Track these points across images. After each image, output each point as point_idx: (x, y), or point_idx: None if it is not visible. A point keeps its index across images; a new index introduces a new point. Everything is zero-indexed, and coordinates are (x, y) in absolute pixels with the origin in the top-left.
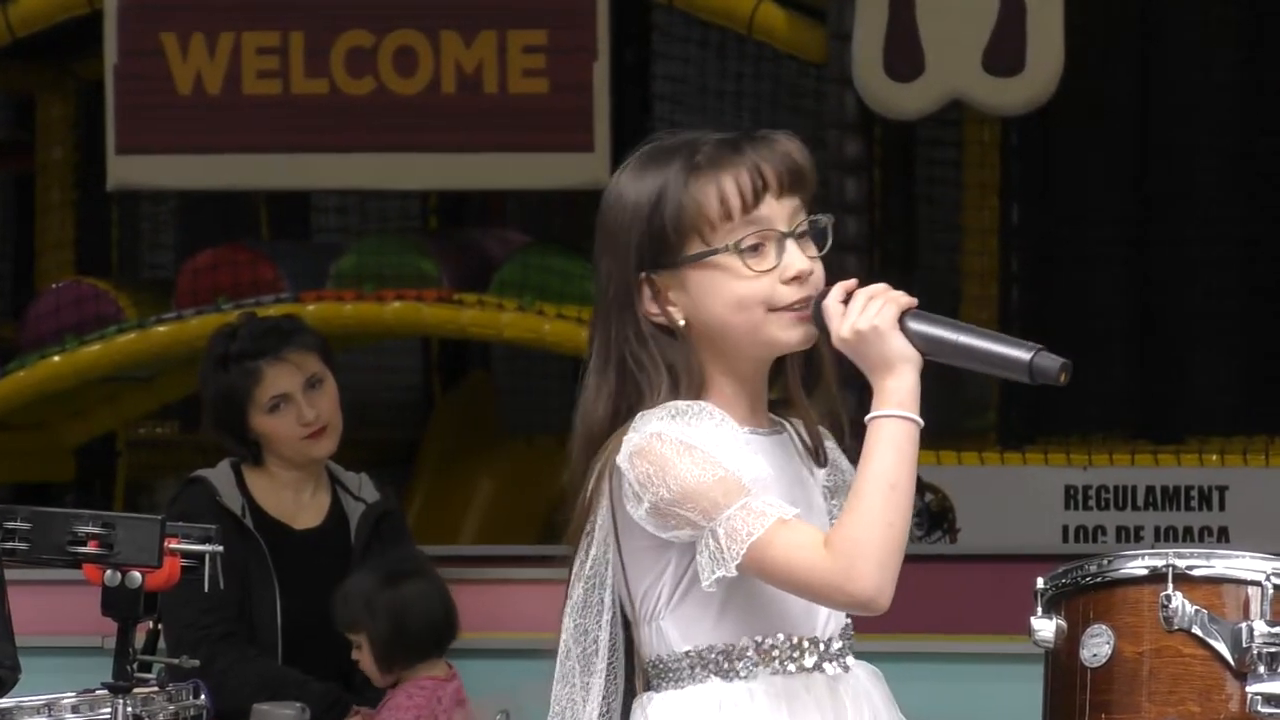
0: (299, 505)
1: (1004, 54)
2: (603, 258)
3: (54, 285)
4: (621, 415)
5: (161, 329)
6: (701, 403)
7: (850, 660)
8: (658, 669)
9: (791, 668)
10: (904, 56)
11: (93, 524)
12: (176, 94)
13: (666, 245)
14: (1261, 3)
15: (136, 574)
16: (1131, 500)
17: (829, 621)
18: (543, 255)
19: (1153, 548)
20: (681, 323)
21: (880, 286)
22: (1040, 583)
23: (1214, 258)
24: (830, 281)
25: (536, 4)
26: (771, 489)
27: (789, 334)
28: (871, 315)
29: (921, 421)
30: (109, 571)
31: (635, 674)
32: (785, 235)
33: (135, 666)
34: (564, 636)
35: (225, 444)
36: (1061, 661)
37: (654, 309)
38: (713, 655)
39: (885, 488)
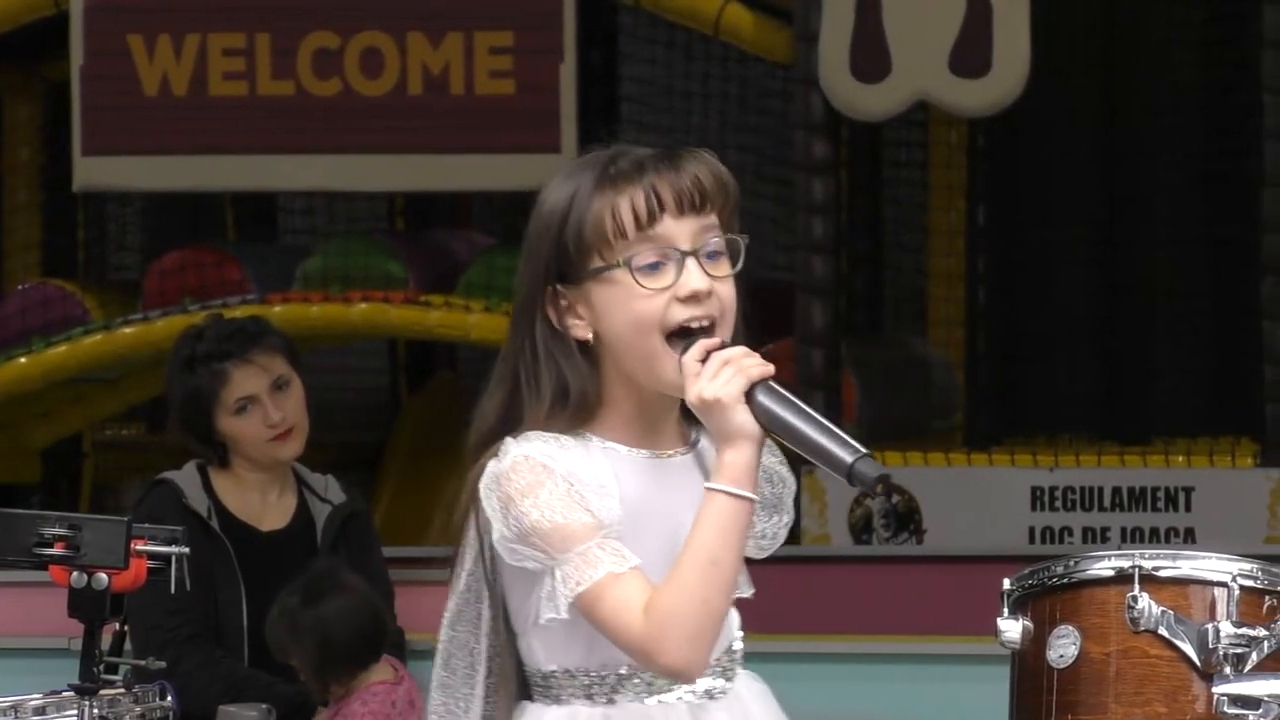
0: (265, 507)
1: (970, 55)
2: (521, 263)
3: (20, 287)
4: (510, 424)
5: (128, 330)
6: (565, 438)
7: (726, 684)
8: (534, 681)
9: (651, 698)
10: (870, 58)
11: (59, 525)
12: (143, 95)
13: (570, 259)
14: (1224, 5)
15: (103, 575)
16: (1098, 501)
17: None
18: (509, 257)
19: (1119, 549)
20: (587, 338)
21: (738, 351)
22: (1007, 584)
23: (1180, 259)
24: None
25: (503, 5)
26: (635, 529)
27: (680, 380)
28: (718, 386)
29: (754, 497)
30: (75, 573)
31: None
32: (685, 254)
33: (102, 668)
34: (440, 647)
35: (191, 445)
36: (1028, 662)
37: (561, 321)
38: (579, 676)
39: (705, 564)
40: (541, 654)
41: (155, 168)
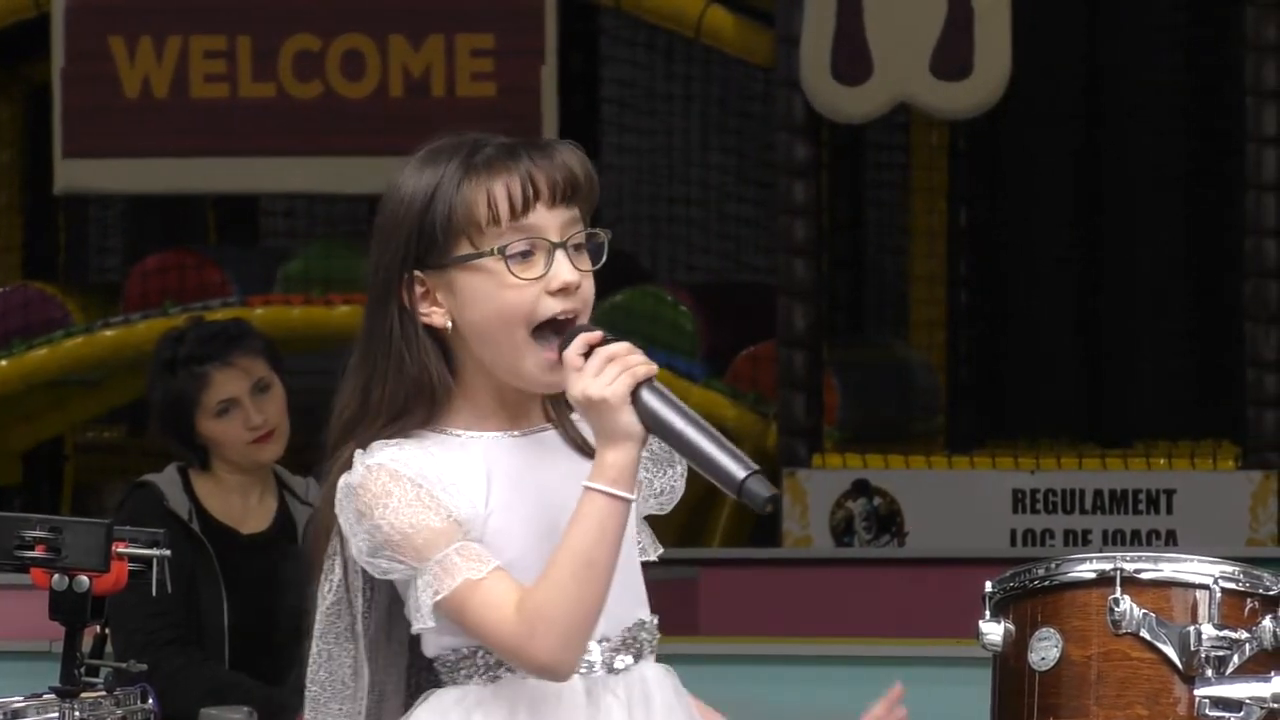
0: (246, 509)
1: (952, 58)
2: (373, 250)
3: (1, 289)
4: (364, 416)
5: (109, 333)
6: (413, 439)
7: (632, 661)
8: (440, 669)
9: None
10: (852, 60)
11: (40, 528)
12: (124, 97)
13: (435, 244)
14: (1204, 8)
15: (84, 578)
16: (1079, 504)
17: (599, 623)
18: None
19: (1100, 551)
20: (446, 325)
21: (622, 347)
22: (988, 586)
23: (1161, 261)
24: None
25: (484, 8)
26: (511, 510)
27: (544, 377)
28: (603, 384)
29: (633, 498)
30: (56, 576)
31: (417, 675)
32: (556, 245)
33: (83, 671)
34: (311, 664)
35: (172, 448)
36: (1009, 665)
37: (420, 308)
38: (467, 655)
39: (582, 564)
40: (432, 642)
41: (136, 170)
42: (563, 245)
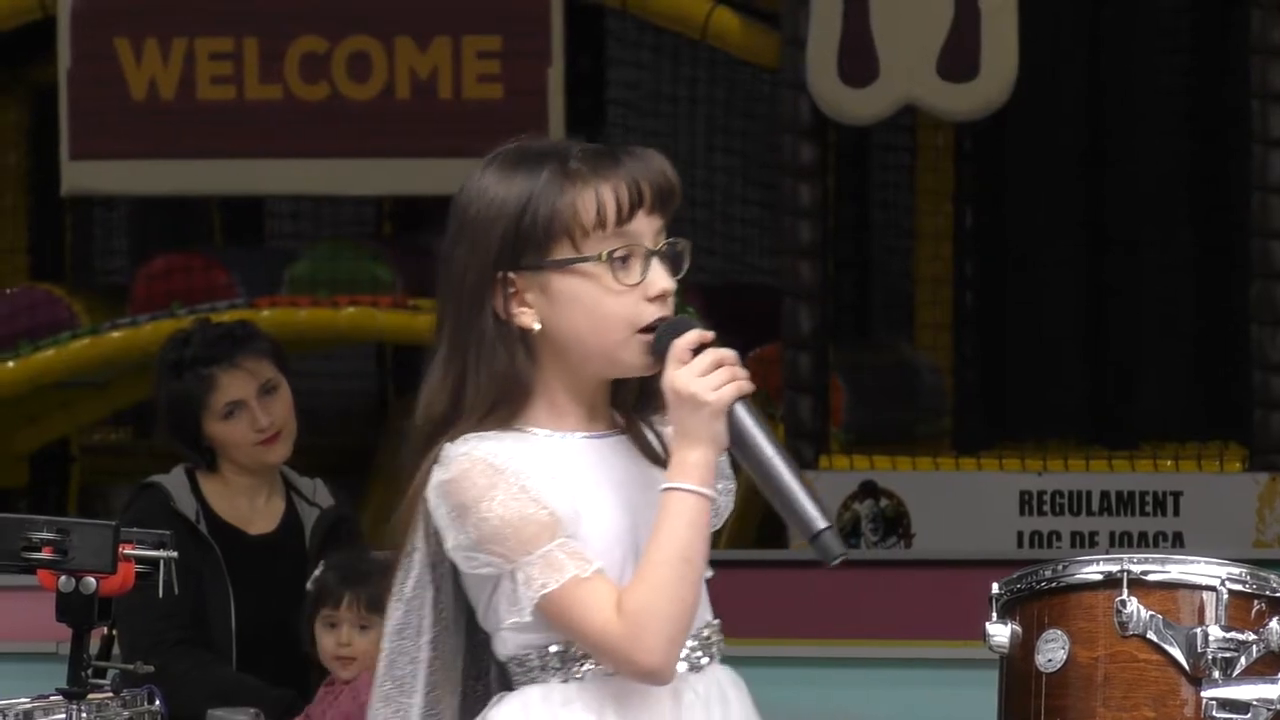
0: (254, 511)
1: (958, 60)
2: (458, 248)
3: (7, 291)
4: (461, 410)
5: (115, 335)
6: (505, 434)
7: (707, 662)
8: (511, 669)
9: None
10: (858, 62)
11: (47, 530)
12: (130, 99)
13: (533, 246)
14: (1208, 11)
15: (91, 580)
16: (1086, 506)
17: None
18: None
19: (1107, 553)
20: (536, 327)
21: (730, 355)
22: (995, 588)
23: (1168, 263)
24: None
25: (491, 10)
26: (588, 512)
27: (640, 360)
28: (709, 386)
29: (716, 497)
30: (63, 577)
31: (487, 679)
32: (652, 253)
33: (90, 672)
34: (382, 658)
35: (179, 450)
36: (1016, 667)
37: (507, 309)
38: (552, 653)
39: (679, 562)
40: (513, 641)
41: (143, 172)
42: (657, 252)
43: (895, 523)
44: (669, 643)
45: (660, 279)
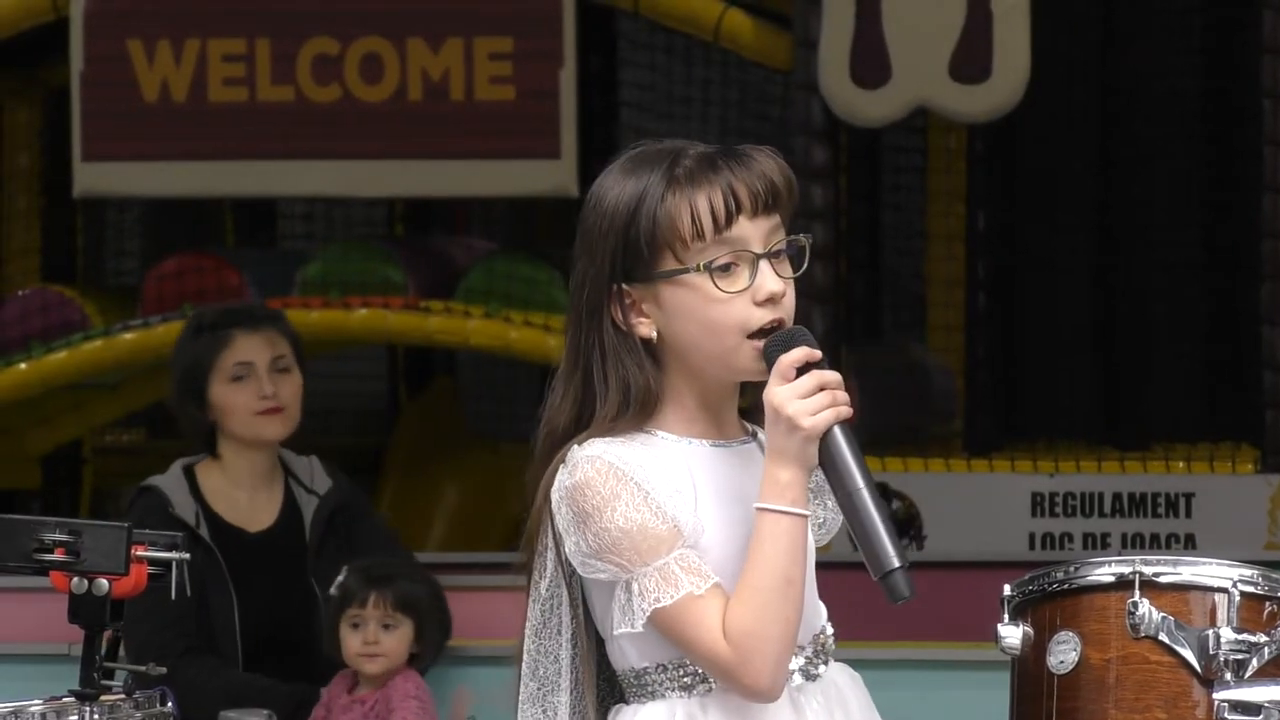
0: (253, 506)
1: (970, 61)
2: (579, 259)
3: (20, 292)
4: (583, 423)
5: (127, 336)
6: (633, 439)
7: (824, 668)
8: (627, 682)
9: None
10: (870, 64)
11: (59, 531)
12: (142, 101)
13: (640, 259)
14: (1219, 12)
15: (103, 581)
16: (1098, 507)
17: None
18: (509, 262)
19: (1119, 554)
20: (651, 336)
21: (834, 378)
22: (1007, 589)
23: (1179, 264)
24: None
25: (503, 11)
26: (712, 518)
27: (754, 365)
28: (809, 410)
29: (811, 513)
30: (76, 579)
31: (610, 686)
32: (759, 256)
33: (102, 674)
34: (525, 659)
35: (184, 420)
36: (1028, 668)
37: (626, 319)
38: (672, 669)
39: (783, 584)
40: (633, 653)
41: (155, 173)
42: (766, 255)
43: (907, 524)
44: (775, 664)
45: (768, 282)
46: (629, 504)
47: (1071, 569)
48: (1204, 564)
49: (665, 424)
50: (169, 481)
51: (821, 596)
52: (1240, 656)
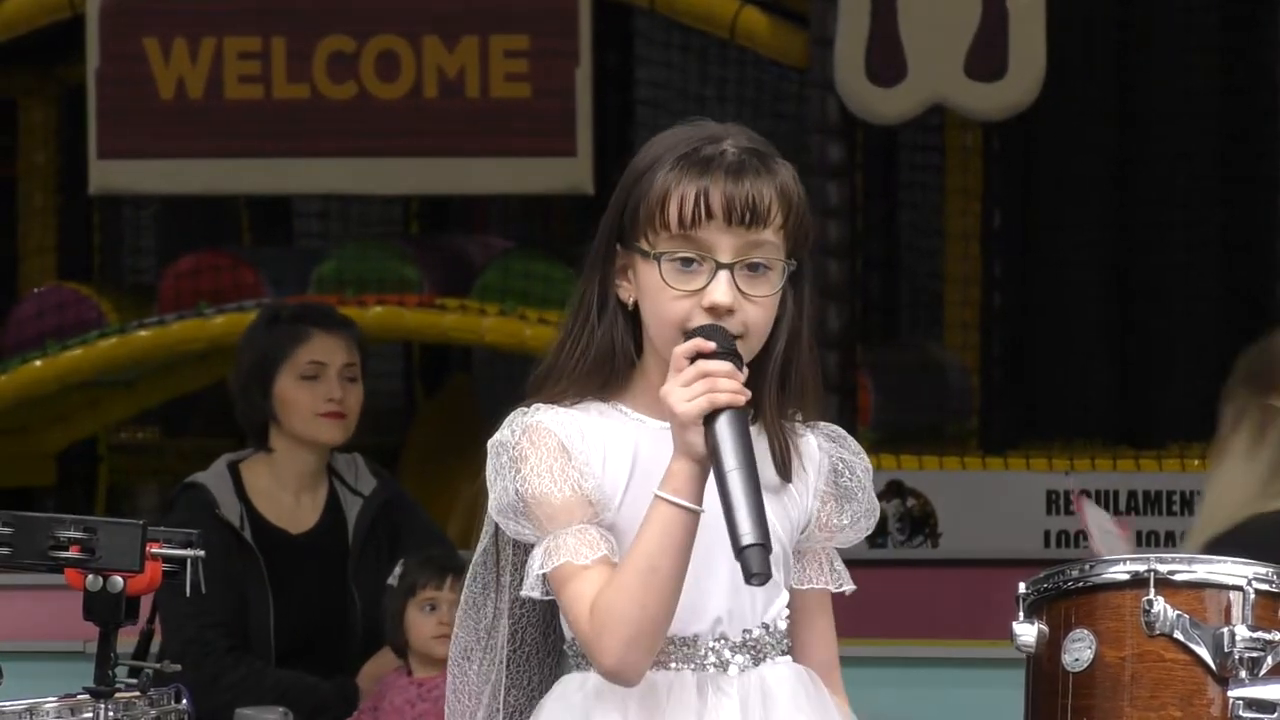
0: (298, 506)
1: (986, 59)
2: (605, 213)
3: (36, 290)
4: (556, 369)
5: (143, 334)
6: (579, 406)
7: (750, 663)
8: (568, 650)
9: (665, 665)
10: (886, 61)
11: (74, 529)
12: (158, 99)
13: (628, 226)
14: (1238, 12)
15: (118, 579)
16: (1113, 505)
17: (717, 623)
18: (524, 260)
19: (1134, 553)
20: (629, 301)
21: (722, 368)
22: (1022, 587)
23: (1194, 262)
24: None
25: (518, 9)
26: (636, 484)
27: None
28: (683, 398)
29: (698, 509)
30: (91, 576)
31: (563, 656)
32: (721, 265)
33: (116, 671)
34: (459, 612)
35: (244, 409)
36: (1043, 666)
37: (617, 280)
38: None
39: (646, 570)
40: (564, 624)
41: (171, 171)
42: (729, 267)
43: (922, 522)
44: (625, 646)
45: (717, 293)
46: (535, 470)
47: (1087, 567)
48: (1219, 562)
49: (627, 399)
50: (214, 480)
51: (844, 598)
52: (1255, 654)
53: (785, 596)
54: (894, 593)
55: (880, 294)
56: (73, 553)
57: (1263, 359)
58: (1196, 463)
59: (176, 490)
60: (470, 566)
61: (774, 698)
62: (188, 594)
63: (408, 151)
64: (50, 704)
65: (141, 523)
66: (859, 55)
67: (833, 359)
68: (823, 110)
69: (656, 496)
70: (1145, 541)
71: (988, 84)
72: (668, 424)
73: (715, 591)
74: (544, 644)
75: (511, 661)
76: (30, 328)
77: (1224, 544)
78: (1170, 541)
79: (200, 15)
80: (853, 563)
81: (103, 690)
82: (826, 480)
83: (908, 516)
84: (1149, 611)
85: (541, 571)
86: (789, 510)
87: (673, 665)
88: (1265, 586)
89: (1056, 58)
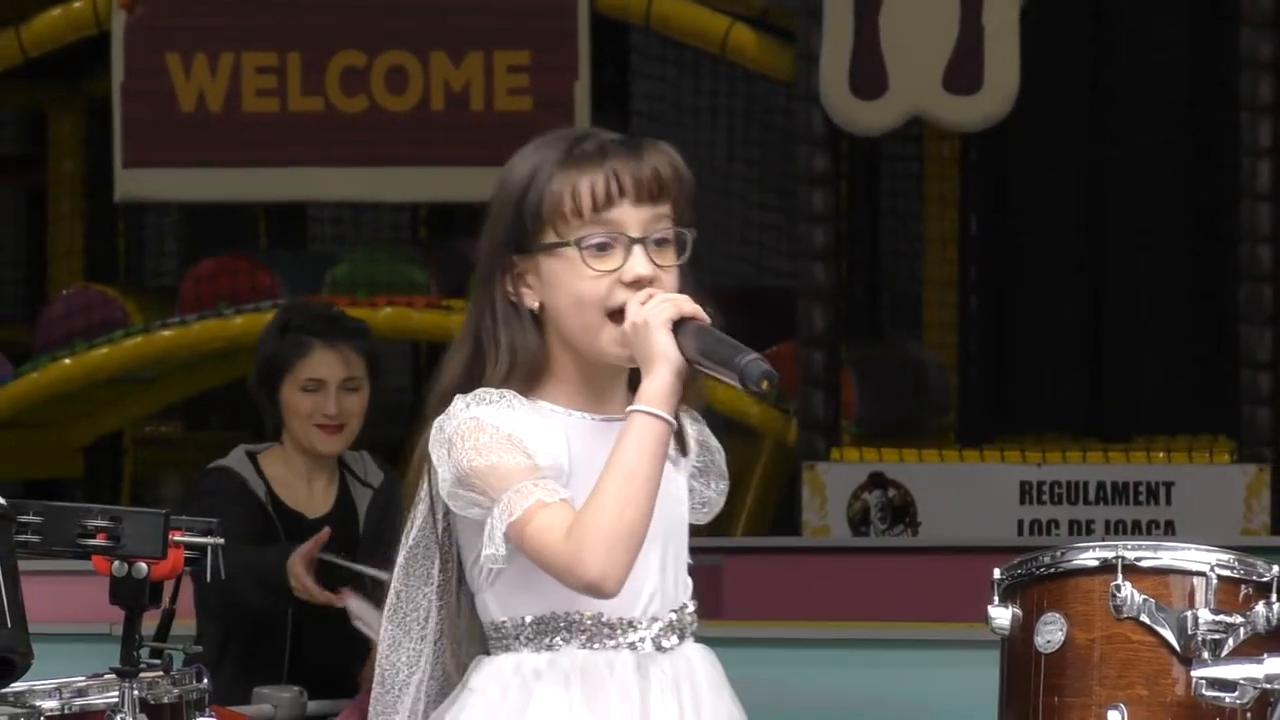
0: (312, 492)
1: (963, 73)
2: (483, 231)
3: (64, 292)
4: (470, 384)
5: (166, 333)
6: (506, 391)
7: (678, 642)
8: (489, 635)
9: (601, 644)
10: (868, 76)
11: (101, 518)
12: (180, 111)
13: (527, 231)
14: (1204, 28)
15: (142, 565)
16: (1083, 496)
17: (650, 603)
18: None
19: (1103, 540)
20: (534, 306)
21: (678, 295)
22: (997, 573)
23: (1162, 267)
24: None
25: (521, 26)
26: (581, 486)
27: (615, 349)
28: (647, 309)
29: (671, 421)
30: (116, 562)
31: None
32: (634, 240)
33: (141, 652)
34: (388, 603)
35: (260, 404)
36: (1017, 648)
37: (512, 290)
38: (526, 625)
39: (623, 476)
40: (494, 607)
41: (192, 179)
42: (641, 241)
43: (902, 512)
44: (608, 553)
45: (637, 265)
46: (492, 437)
47: (1058, 554)
48: (1183, 549)
49: (550, 395)
50: (236, 463)
51: (828, 583)
52: (1217, 636)
53: (689, 580)
54: (875, 578)
55: (863, 296)
56: (99, 540)
57: None
58: (1162, 455)
59: (200, 475)
60: (398, 563)
61: (698, 676)
62: (208, 579)
63: (416, 161)
64: (79, 682)
65: (164, 512)
66: (843, 70)
67: (818, 357)
68: (808, 122)
69: (631, 412)
70: (1114, 530)
71: (964, 97)
72: (594, 415)
73: (648, 575)
74: (459, 635)
75: (435, 650)
76: (59, 327)
77: None
78: (1137, 530)
79: (219, 32)
80: (837, 550)
81: (128, 670)
82: (698, 457)
83: (889, 506)
84: (1117, 596)
85: (511, 518)
86: (683, 485)
87: (611, 645)
88: (1227, 572)
89: (1031, 72)
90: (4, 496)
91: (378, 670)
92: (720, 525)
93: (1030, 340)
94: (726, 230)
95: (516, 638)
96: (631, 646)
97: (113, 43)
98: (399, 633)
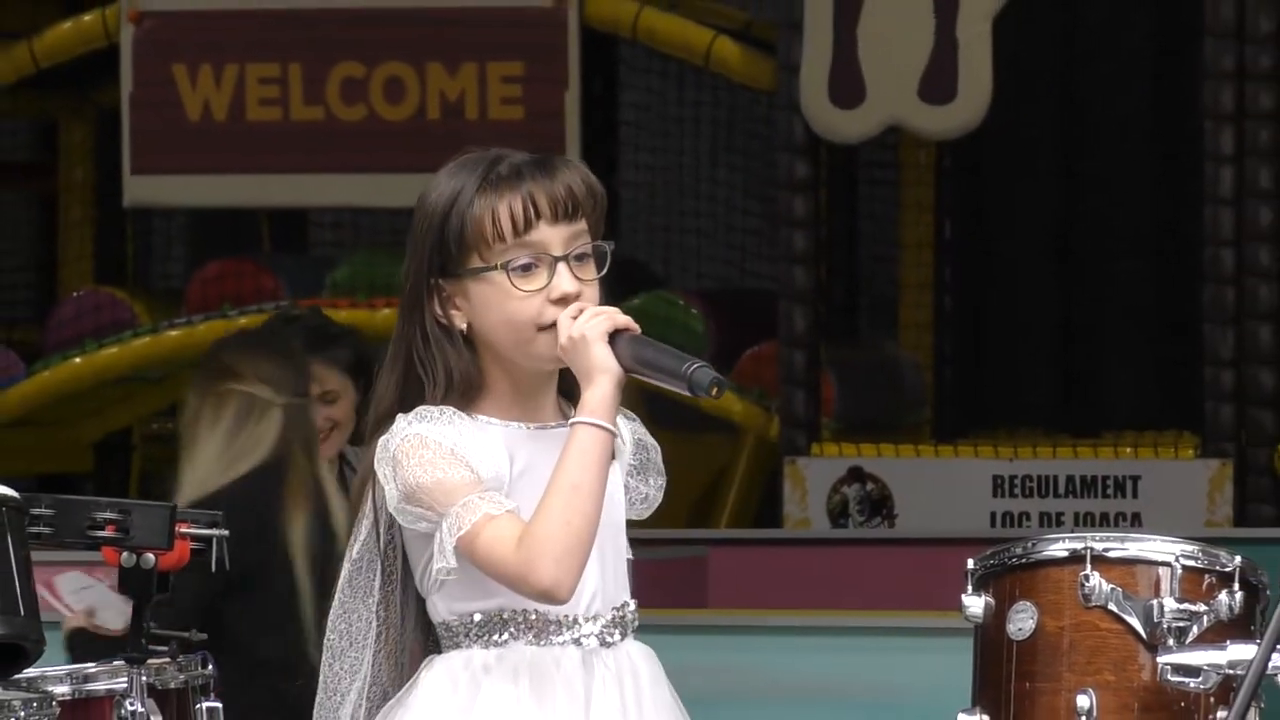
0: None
1: (938, 84)
2: (406, 256)
3: (75, 294)
4: (406, 404)
5: (173, 334)
6: (446, 408)
7: (620, 639)
8: (441, 635)
9: (548, 640)
10: (847, 86)
11: (110, 510)
12: (186, 120)
13: (451, 256)
14: (1171, 40)
15: (150, 555)
16: (1053, 489)
17: (593, 601)
18: None
19: (1072, 532)
20: (463, 327)
21: (606, 310)
22: (970, 563)
23: (1129, 271)
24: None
25: (513, 38)
26: (520, 493)
27: (550, 350)
28: (583, 324)
29: (614, 430)
30: (125, 553)
31: (429, 643)
32: (557, 259)
33: (149, 640)
34: (331, 614)
35: None
36: (990, 635)
37: (440, 312)
38: (474, 623)
39: (568, 489)
40: (443, 608)
41: (198, 186)
42: (564, 259)
43: (880, 504)
44: (557, 564)
45: (563, 283)
46: (435, 453)
47: (1029, 545)
48: (1149, 540)
49: (486, 409)
50: None
51: (809, 573)
52: (1182, 624)
53: (627, 579)
54: (854, 568)
55: (842, 298)
56: (109, 532)
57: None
58: (1129, 450)
59: None
60: (342, 577)
61: (639, 673)
62: (213, 570)
63: (413, 168)
64: (89, 669)
65: (171, 505)
66: (822, 81)
67: (798, 357)
68: (789, 130)
69: (574, 424)
70: (1082, 522)
71: (940, 106)
72: (530, 424)
73: (589, 574)
74: (399, 645)
75: (374, 659)
76: (70, 328)
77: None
78: (1105, 522)
79: (224, 45)
80: (817, 541)
81: (136, 656)
82: (634, 455)
83: (867, 499)
84: (1086, 585)
85: (460, 533)
86: (619, 484)
87: (558, 641)
88: (1191, 563)
89: (1004, 82)
90: (16, 490)
91: (321, 680)
92: (705, 518)
93: (1003, 340)
94: (710, 234)
95: (466, 635)
96: (577, 642)
97: (121, 54)
98: (342, 643)
